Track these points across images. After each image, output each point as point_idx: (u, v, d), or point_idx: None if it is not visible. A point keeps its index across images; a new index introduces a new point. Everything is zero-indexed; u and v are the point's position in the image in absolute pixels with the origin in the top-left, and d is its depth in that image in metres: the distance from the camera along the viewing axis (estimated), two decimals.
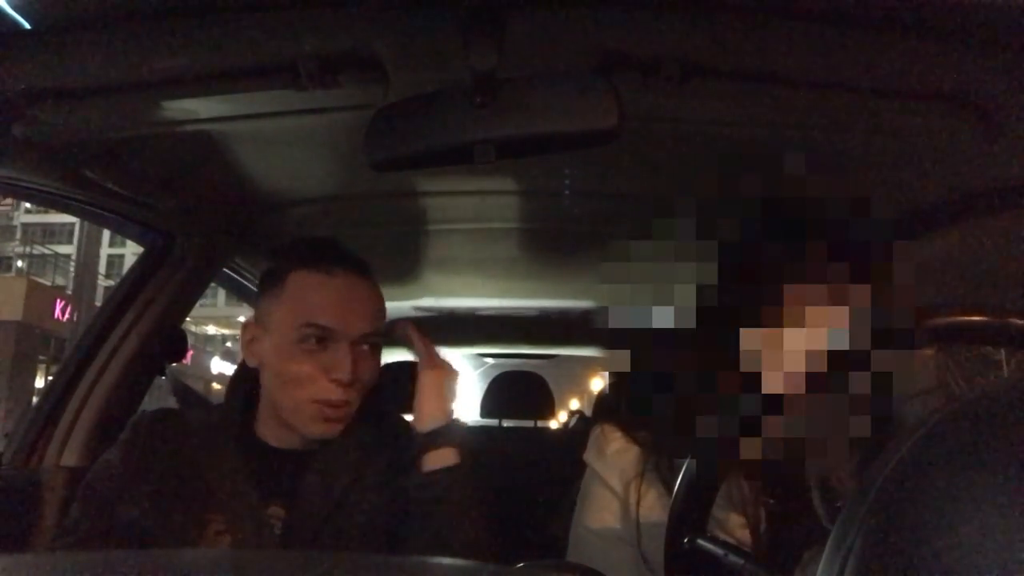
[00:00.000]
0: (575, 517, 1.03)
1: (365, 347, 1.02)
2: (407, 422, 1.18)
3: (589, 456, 1.03)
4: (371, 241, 1.68)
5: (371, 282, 1.06)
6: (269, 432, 1.06)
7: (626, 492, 0.97)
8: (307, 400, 0.99)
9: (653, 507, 0.94)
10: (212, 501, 0.98)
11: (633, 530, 0.95)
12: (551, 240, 1.77)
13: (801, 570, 0.83)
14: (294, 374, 0.98)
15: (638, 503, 0.95)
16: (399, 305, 2.34)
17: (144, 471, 1.00)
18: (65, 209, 1.39)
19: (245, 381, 1.10)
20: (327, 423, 1.00)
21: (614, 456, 1.00)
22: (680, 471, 0.93)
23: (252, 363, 1.05)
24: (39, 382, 14.45)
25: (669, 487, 0.93)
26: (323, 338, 0.98)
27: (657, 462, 0.96)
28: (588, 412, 2.72)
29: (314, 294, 1.00)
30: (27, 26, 0.79)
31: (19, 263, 21.44)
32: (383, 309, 1.07)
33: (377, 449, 1.06)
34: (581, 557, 0.99)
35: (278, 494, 1.01)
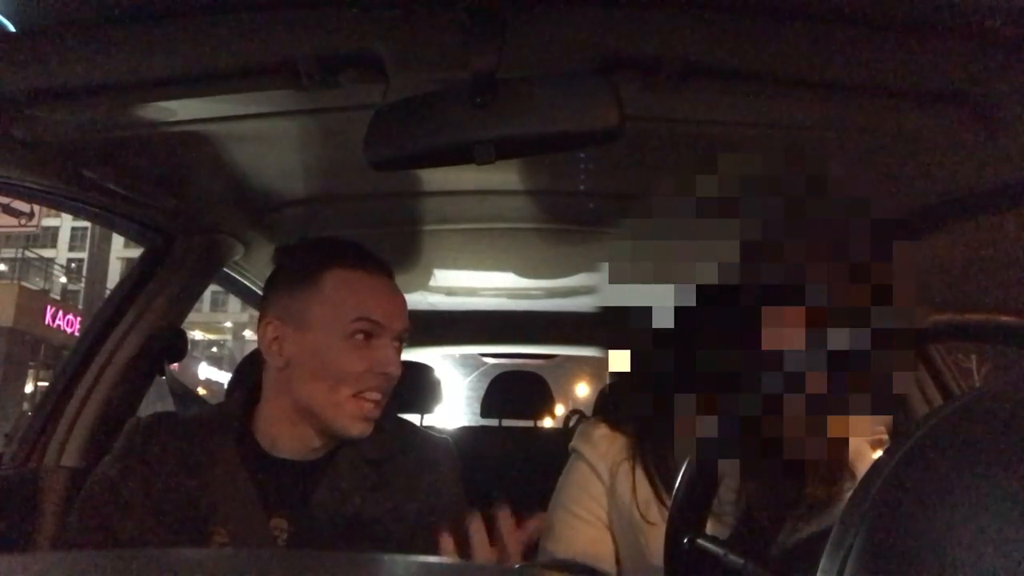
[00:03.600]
0: (553, 498, 1.04)
1: (397, 344, 1.04)
2: (416, 432, 1.16)
3: (576, 443, 1.05)
4: (371, 241, 1.68)
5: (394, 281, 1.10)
6: (276, 438, 1.03)
7: (612, 477, 0.99)
8: (352, 395, 0.99)
9: (640, 485, 0.96)
10: (214, 513, 0.96)
11: (618, 508, 0.96)
12: (550, 240, 1.77)
13: (778, 547, 0.84)
14: (343, 370, 0.99)
15: (632, 478, 0.96)
16: None
17: (142, 483, 0.98)
18: (65, 209, 1.39)
19: (244, 384, 1.09)
20: (366, 421, 1.01)
21: (600, 440, 1.02)
22: (668, 462, 0.94)
23: (277, 362, 1.02)
24: (28, 387, 14.48)
25: (653, 474, 0.96)
26: (370, 333, 1.00)
27: (643, 449, 0.98)
28: (573, 418, 2.71)
29: (362, 291, 1.02)
30: (12, 29, 0.79)
31: (1, 267, 21.39)
32: None
33: (389, 468, 1.05)
34: (553, 536, 1.00)
35: (280, 506, 0.99)
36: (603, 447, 1.01)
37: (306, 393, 1.00)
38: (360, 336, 1.00)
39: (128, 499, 0.98)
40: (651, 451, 0.97)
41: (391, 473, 1.04)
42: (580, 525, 1.00)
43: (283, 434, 1.03)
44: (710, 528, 0.70)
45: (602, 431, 1.02)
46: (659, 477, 0.95)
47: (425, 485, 1.05)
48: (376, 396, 1.01)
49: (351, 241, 1.09)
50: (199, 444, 1.01)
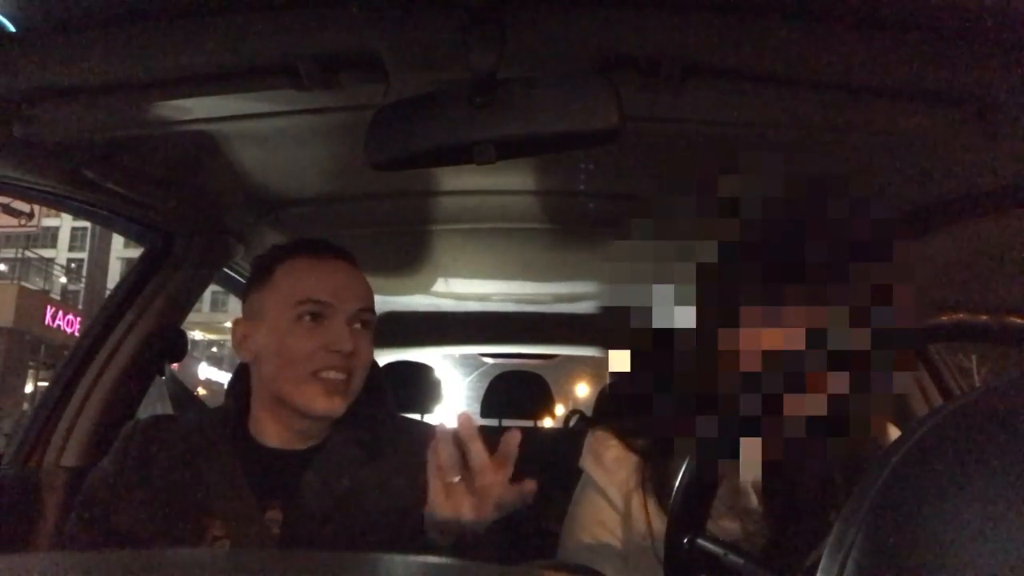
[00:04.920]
0: (566, 524, 1.01)
1: (358, 326, 1.05)
2: (409, 421, 1.19)
3: (586, 463, 1.01)
4: (371, 241, 1.68)
5: (356, 267, 1.09)
6: (265, 430, 1.06)
7: (626, 505, 0.96)
8: (310, 375, 1.00)
9: (655, 517, 0.93)
10: (209, 506, 0.98)
11: (632, 538, 0.94)
12: (550, 240, 1.77)
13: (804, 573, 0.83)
14: (295, 351, 1.00)
15: (646, 510, 0.93)
16: (399, 305, 2.34)
17: (139, 479, 1.01)
18: (65, 209, 1.39)
19: (241, 383, 1.11)
20: (332, 397, 1.01)
21: (612, 464, 0.98)
22: (678, 473, 0.92)
23: (247, 358, 1.07)
24: (28, 387, 14.50)
25: (665, 496, 0.92)
26: (319, 314, 1.02)
27: (654, 470, 0.95)
28: (573, 418, 2.71)
29: (307, 274, 1.04)
30: (11, 29, 0.79)
31: (1, 267, 21.41)
32: (371, 293, 1.09)
33: (378, 449, 1.07)
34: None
35: (276, 496, 1.01)
36: (616, 472, 0.97)
37: (273, 381, 1.03)
38: (308, 318, 1.01)
39: (124, 494, 1.00)
40: (660, 476, 0.93)
41: (381, 451, 1.06)
42: (594, 558, 0.96)
43: (270, 425, 1.06)
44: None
45: (614, 453, 0.98)
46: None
47: (416, 462, 1.03)
48: (337, 375, 1.01)
49: (315, 238, 1.11)
50: (195, 443, 1.04)
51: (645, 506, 0.94)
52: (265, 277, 1.06)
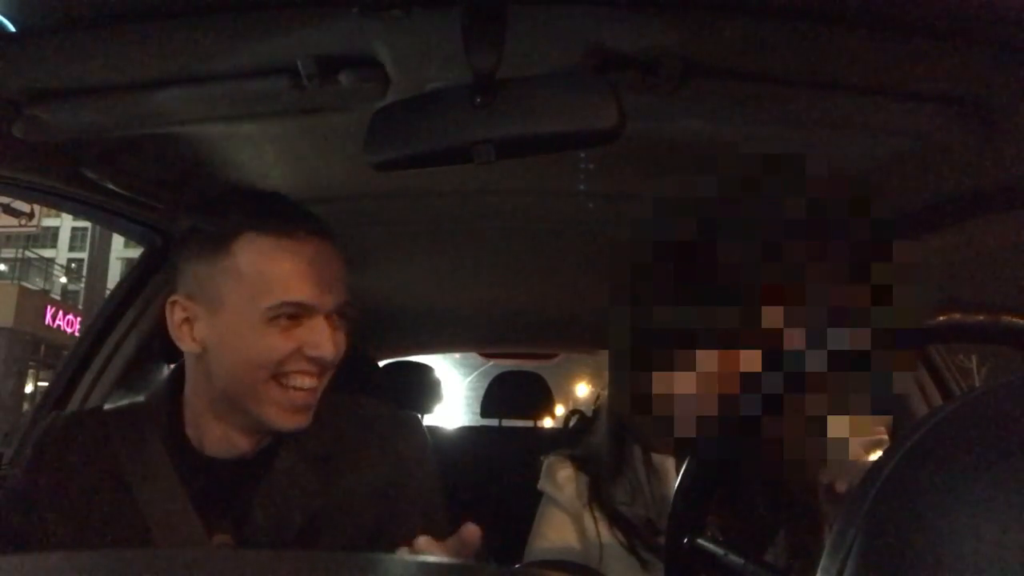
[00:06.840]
0: (529, 540, 1.04)
1: (336, 319, 0.89)
2: (365, 405, 1.01)
3: (543, 484, 1.06)
4: (371, 241, 1.68)
5: (333, 243, 0.92)
6: (206, 436, 0.91)
7: (579, 516, 1.00)
8: (277, 386, 0.86)
9: (605, 531, 0.97)
10: (147, 529, 0.85)
11: (588, 551, 0.97)
12: (551, 240, 1.77)
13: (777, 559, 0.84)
14: (262, 354, 0.84)
15: (596, 525, 0.97)
16: (399, 305, 2.34)
17: (58, 494, 0.86)
18: (65, 209, 1.39)
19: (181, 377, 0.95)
20: (298, 412, 0.87)
21: (564, 481, 1.03)
22: (625, 496, 0.96)
23: (190, 348, 0.88)
24: (29, 387, 14.51)
25: (614, 516, 0.97)
26: (297, 315, 0.85)
27: (603, 492, 0.99)
28: (573, 418, 2.71)
29: (283, 265, 0.85)
30: (12, 28, 0.79)
31: (1, 267, 21.42)
32: (346, 276, 0.92)
33: (342, 462, 0.92)
34: None
35: (223, 517, 0.88)
36: (567, 488, 1.02)
37: (226, 382, 0.86)
38: (284, 319, 0.84)
39: (41, 512, 0.86)
40: (608, 497, 0.98)
41: (342, 469, 0.91)
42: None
43: (210, 430, 0.90)
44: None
45: (566, 472, 1.04)
46: (622, 520, 0.96)
47: (385, 475, 0.92)
48: (307, 382, 0.86)
49: (275, 195, 0.93)
50: (124, 447, 0.89)
51: (596, 525, 0.99)
52: (221, 251, 0.85)
